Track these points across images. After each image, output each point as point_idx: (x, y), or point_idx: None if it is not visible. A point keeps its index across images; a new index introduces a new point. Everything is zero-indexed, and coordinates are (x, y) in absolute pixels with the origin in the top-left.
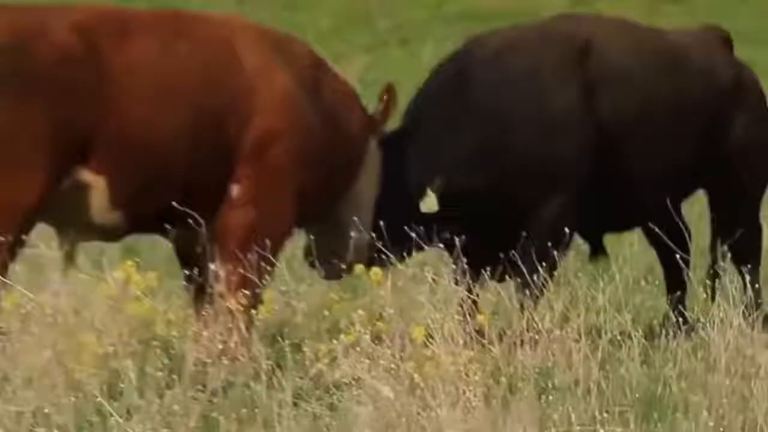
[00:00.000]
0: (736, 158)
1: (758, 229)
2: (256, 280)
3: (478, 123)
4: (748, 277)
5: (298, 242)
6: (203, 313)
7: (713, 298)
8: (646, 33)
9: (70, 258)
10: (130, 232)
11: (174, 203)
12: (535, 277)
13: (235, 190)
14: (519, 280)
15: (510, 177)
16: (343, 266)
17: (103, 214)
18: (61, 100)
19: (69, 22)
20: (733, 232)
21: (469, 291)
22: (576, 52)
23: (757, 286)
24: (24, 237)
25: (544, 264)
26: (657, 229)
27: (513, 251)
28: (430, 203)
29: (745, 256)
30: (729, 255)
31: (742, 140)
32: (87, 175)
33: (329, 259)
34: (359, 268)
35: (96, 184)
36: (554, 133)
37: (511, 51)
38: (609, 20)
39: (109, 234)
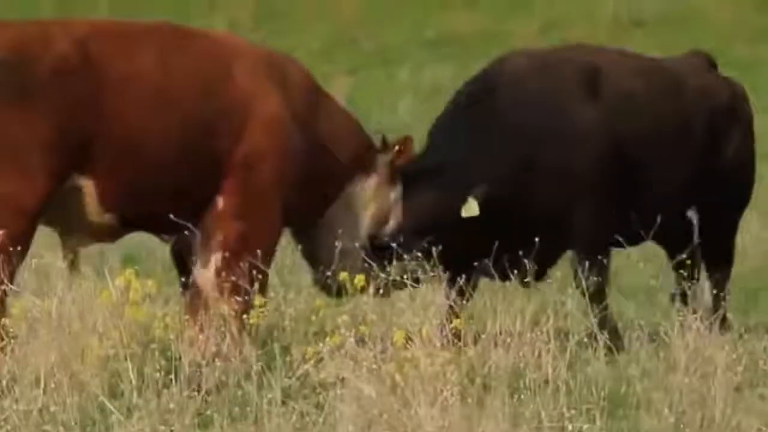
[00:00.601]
0: (728, 172)
1: (732, 245)
2: (248, 287)
3: (505, 137)
4: (709, 283)
5: (287, 252)
6: (198, 317)
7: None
8: (646, 59)
9: (74, 265)
10: (124, 233)
11: (167, 212)
12: (596, 279)
13: (220, 202)
14: (588, 289)
15: (536, 185)
16: (329, 274)
17: (96, 215)
18: (61, 111)
19: (69, 36)
20: (711, 242)
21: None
22: (588, 74)
23: (715, 291)
24: (28, 240)
25: (599, 260)
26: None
27: (488, 257)
28: (471, 209)
29: (718, 266)
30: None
31: (734, 155)
32: (82, 180)
33: (316, 269)
34: (343, 275)
35: (88, 188)
36: (575, 144)
37: (536, 71)
38: (611, 50)
39: (105, 234)
